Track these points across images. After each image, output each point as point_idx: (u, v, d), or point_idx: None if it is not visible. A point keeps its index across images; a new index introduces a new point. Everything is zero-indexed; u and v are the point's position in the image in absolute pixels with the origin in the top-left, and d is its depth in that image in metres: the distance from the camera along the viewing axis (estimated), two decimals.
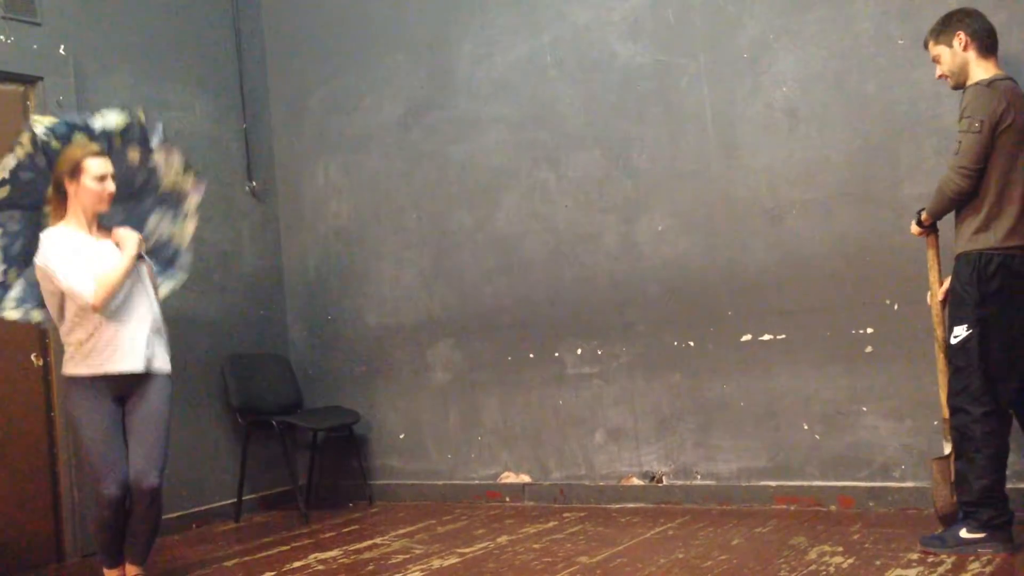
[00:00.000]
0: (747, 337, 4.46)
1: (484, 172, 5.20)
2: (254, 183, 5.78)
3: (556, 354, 4.99)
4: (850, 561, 3.42)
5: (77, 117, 3.82)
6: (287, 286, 5.96)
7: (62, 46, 4.88)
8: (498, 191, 5.15)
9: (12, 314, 3.88)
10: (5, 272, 3.82)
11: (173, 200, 4.04)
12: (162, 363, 3.81)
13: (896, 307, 4.13)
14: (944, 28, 3.55)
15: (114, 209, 3.86)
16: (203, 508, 5.27)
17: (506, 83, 5.11)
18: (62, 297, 3.65)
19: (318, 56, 5.78)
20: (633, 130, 4.73)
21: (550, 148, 4.98)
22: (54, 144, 3.71)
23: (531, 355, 5.07)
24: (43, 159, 3.72)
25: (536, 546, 4.09)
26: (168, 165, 3.98)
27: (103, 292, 3.58)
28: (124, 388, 3.72)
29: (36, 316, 3.91)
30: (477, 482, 5.25)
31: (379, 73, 5.56)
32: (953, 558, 3.34)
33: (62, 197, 3.71)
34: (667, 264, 4.66)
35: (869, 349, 4.18)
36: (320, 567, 4.11)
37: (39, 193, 3.76)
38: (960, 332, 3.43)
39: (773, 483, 4.40)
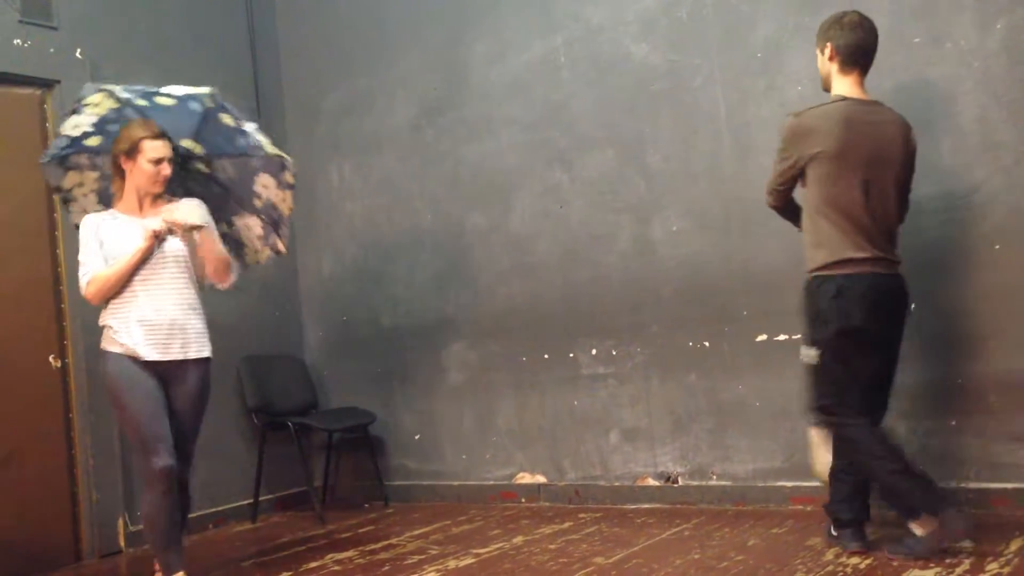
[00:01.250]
0: (762, 337, 4.45)
1: (498, 173, 5.21)
2: None
3: (571, 355, 4.98)
4: (867, 562, 3.41)
5: (147, 87, 3.90)
6: (302, 288, 5.98)
7: (79, 49, 4.91)
8: (512, 192, 5.15)
9: (56, 179, 3.92)
10: (87, 135, 3.82)
11: (275, 167, 4.05)
12: (198, 348, 3.74)
13: (912, 307, 4.11)
14: (820, 33, 3.57)
15: (227, 163, 3.95)
16: (220, 509, 5.30)
17: (520, 84, 5.11)
18: None
19: (332, 58, 5.80)
20: (647, 130, 4.72)
21: (563, 148, 4.98)
22: (139, 101, 3.77)
23: (546, 355, 5.07)
24: (133, 112, 3.76)
25: (552, 547, 4.09)
26: (257, 132, 4.01)
27: (95, 287, 3.61)
28: (164, 372, 3.66)
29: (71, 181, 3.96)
30: (492, 483, 5.25)
31: (393, 74, 5.57)
32: (972, 558, 3.32)
33: (119, 174, 3.70)
34: (681, 264, 4.65)
35: None
36: (336, 567, 4.12)
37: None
38: (810, 352, 3.45)
39: (789, 483, 4.39)
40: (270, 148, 4.03)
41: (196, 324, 3.73)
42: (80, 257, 3.63)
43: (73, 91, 4.77)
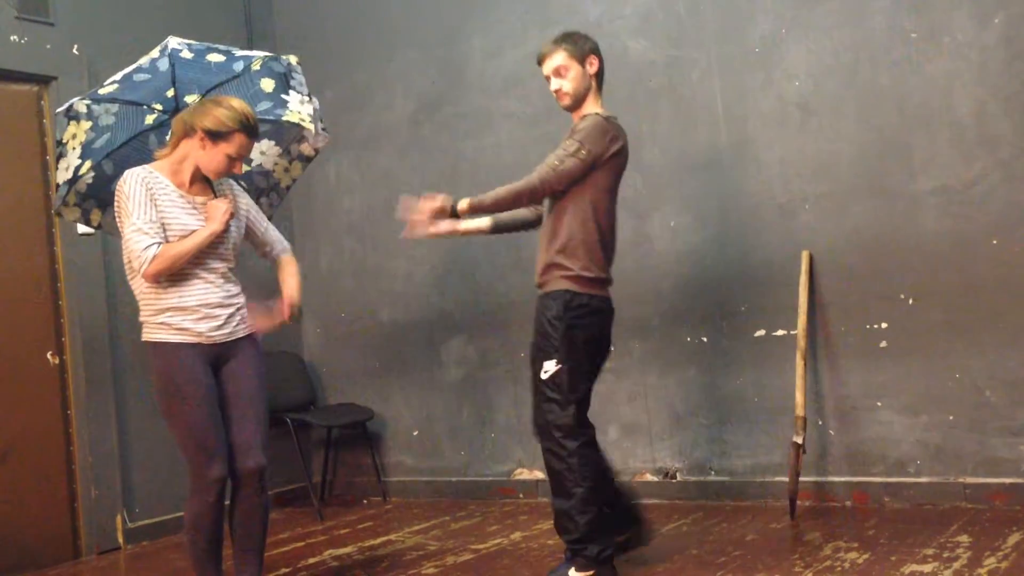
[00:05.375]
0: (761, 332, 4.45)
1: (496, 167, 5.19)
2: None
3: None
4: (865, 556, 3.41)
5: (219, 45, 3.74)
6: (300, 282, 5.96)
7: (76, 46, 4.90)
8: None
9: (71, 213, 3.72)
10: (78, 168, 3.58)
11: (289, 135, 3.84)
12: (251, 323, 3.43)
13: (911, 301, 4.11)
14: (579, 46, 3.46)
15: None
16: None
17: (517, 78, 5.10)
18: None
19: (329, 53, 5.79)
20: (645, 125, 4.72)
21: None
22: (185, 53, 3.59)
23: None
24: (166, 63, 3.55)
25: (550, 542, 4.09)
26: (299, 105, 3.71)
27: (161, 265, 3.14)
28: (218, 355, 3.31)
29: (96, 217, 3.68)
30: (491, 478, 5.25)
31: (391, 69, 5.56)
32: (970, 553, 3.32)
33: (178, 139, 3.27)
34: (680, 259, 4.65)
35: (884, 344, 4.16)
36: (335, 563, 4.12)
37: (147, 91, 3.54)
38: (550, 367, 3.37)
39: (787, 479, 4.38)
40: (294, 117, 3.69)
41: (243, 300, 3.42)
42: (136, 222, 3.13)
43: (70, 88, 4.79)
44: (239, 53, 3.74)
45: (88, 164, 3.62)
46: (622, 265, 4.80)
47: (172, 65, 3.59)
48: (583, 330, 3.38)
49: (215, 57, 3.72)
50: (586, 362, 3.41)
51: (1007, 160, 3.93)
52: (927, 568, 3.20)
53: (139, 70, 3.60)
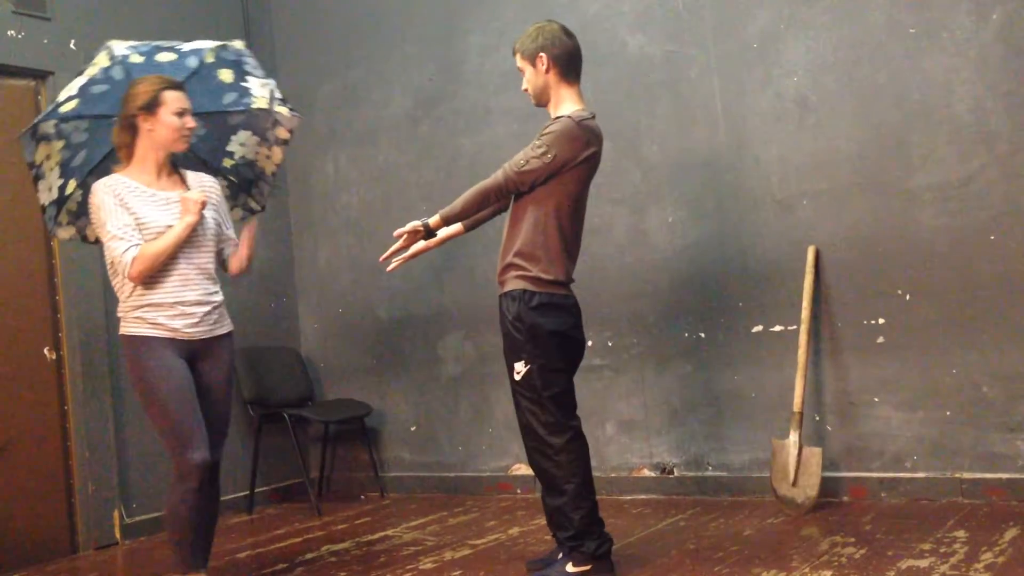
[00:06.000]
0: (758, 328, 4.45)
1: (494, 164, 5.13)
2: None
3: None
4: (862, 551, 3.42)
5: (163, 42, 3.67)
6: (298, 279, 5.97)
7: (72, 41, 4.89)
8: None
9: (64, 232, 3.72)
10: (63, 187, 3.59)
11: (263, 122, 3.84)
12: (228, 322, 3.56)
13: (908, 297, 4.12)
14: (525, 45, 3.48)
15: (197, 122, 3.61)
16: None
17: (515, 74, 5.06)
18: None
19: (327, 49, 5.78)
20: (643, 121, 4.72)
21: None
22: (134, 58, 3.50)
23: None
24: (120, 71, 3.50)
25: (548, 537, 4.09)
26: (262, 88, 3.77)
27: (143, 266, 3.26)
28: (193, 352, 3.41)
29: (92, 233, 3.69)
30: (488, 474, 5.25)
31: (388, 65, 5.55)
32: (967, 548, 3.33)
33: (131, 138, 3.37)
34: (677, 255, 4.65)
35: (881, 339, 4.17)
36: (332, 559, 4.12)
37: (111, 102, 3.50)
38: (520, 368, 3.37)
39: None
40: (262, 103, 3.75)
41: (221, 298, 3.53)
42: (111, 230, 3.26)
43: (67, 82, 4.74)
44: (187, 48, 3.67)
45: (73, 183, 3.63)
46: (620, 260, 4.83)
47: (127, 72, 3.52)
48: (545, 325, 3.35)
49: (166, 57, 3.63)
50: (556, 358, 3.38)
51: (1005, 156, 3.93)
52: (924, 563, 3.21)
53: (93, 82, 3.50)
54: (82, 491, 4.70)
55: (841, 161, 4.24)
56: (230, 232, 3.67)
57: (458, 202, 3.45)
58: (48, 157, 3.56)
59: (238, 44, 3.77)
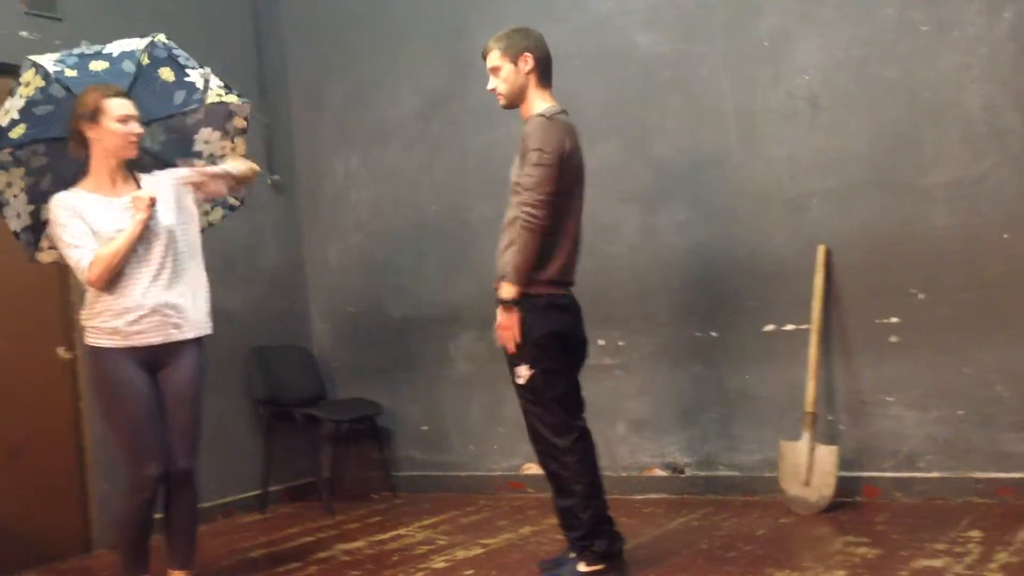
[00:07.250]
0: (770, 327, 4.44)
1: (504, 162, 5.12)
2: (275, 176, 5.79)
3: None
4: (876, 551, 3.41)
5: (87, 47, 3.60)
6: (309, 278, 5.97)
7: (84, 42, 4.87)
8: None
9: (46, 256, 3.70)
10: (33, 213, 3.56)
11: (220, 116, 3.76)
12: (194, 327, 3.46)
13: (921, 296, 4.11)
14: (512, 43, 3.40)
15: (157, 128, 3.61)
16: (228, 499, 5.31)
17: None
18: None
19: (337, 48, 5.78)
20: (653, 120, 4.71)
21: None
22: (68, 72, 3.40)
23: None
24: (59, 89, 3.39)
25: (559, 537, 4.08)
26: (206, 81, 3.68)
27: (99, 269, 3.26)
28: (154, 359, 3.40)
29: None
30: (500, 473, 5.26)
31: (398, 64, 5.56)
32: (981, 547, 3.32)
33: (82, 148, 3.37)
34: (688, 254, 4.64)
35: (894, 339, 4.16)
36: (345, 558, 4.13)
37: (61, 123, 3.43)
38: (522, 372, 3.36)
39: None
40: (213, 97, 3.66)
41: (191, 301, 3.45)
42: (67, 239, 3.29)
43: None
44: (115, 52, 3.58)
45: (45, 208, 3.54)
46: (630, 259, 4.82)
47: (67, 89, 3.44)
48: (545, 326, 3.34)
49: (98, 65, 3.54)
50: (557, 359, 3.37)
51: (1017, 154, 3.91)
52: (938, 563, 3.20)
53: (33, 103, 3.42)
54: (96, 490, 4.72)
55: (852, 159, 4.23)
56: (194, 209, 3.62)
57: (513, 270, 3.35)
58: (10, 185, 3.53)
59: (162, 37, 3.69)
